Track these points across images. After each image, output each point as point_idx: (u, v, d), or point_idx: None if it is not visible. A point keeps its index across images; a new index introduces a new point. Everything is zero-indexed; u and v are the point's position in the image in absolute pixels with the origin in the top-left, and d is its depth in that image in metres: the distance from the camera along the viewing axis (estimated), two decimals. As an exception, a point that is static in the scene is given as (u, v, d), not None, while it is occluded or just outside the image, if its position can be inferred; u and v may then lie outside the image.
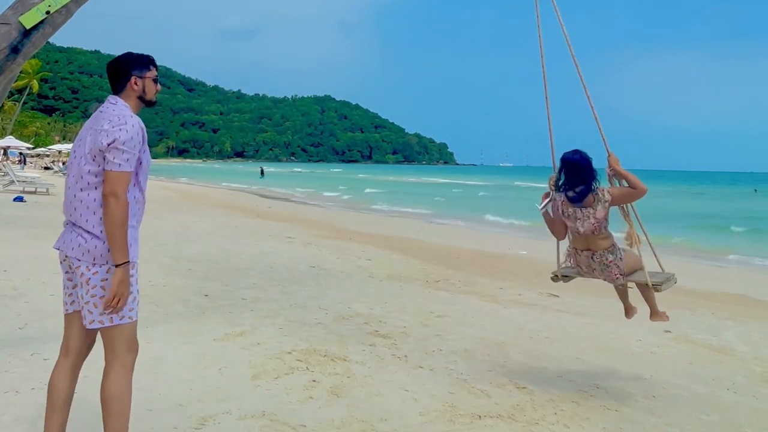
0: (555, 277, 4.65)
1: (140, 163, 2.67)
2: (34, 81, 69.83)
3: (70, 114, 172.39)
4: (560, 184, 4.32)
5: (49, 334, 4.77)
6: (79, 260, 2.59)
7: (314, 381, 4.25)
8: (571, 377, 4.73)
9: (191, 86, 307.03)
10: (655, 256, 4.59)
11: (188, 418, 3.51)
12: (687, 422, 3.98)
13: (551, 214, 4.42)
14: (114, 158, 2.55)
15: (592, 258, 4.29)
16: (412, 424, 3.67)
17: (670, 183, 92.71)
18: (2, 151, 46.11)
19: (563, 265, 4.59)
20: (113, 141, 2.55)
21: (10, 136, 49.52)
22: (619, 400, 4.27)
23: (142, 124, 2.68)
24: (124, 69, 2.76)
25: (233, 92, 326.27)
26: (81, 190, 2.64)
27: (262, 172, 77.09)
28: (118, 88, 2.76)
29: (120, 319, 2.63)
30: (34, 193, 21.27)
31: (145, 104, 2.84)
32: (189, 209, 20.18)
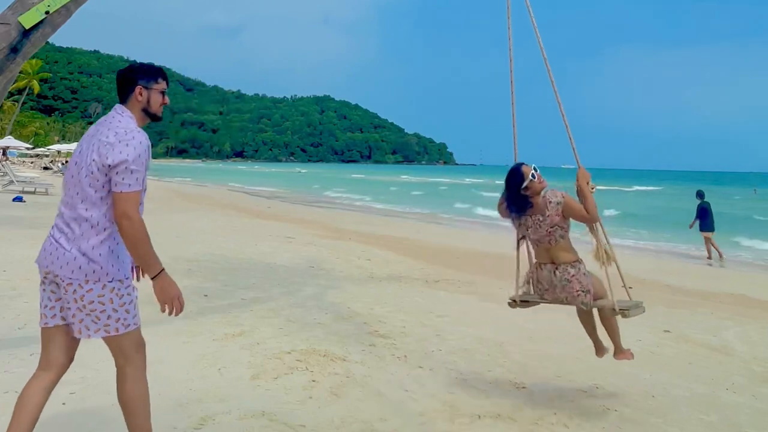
0: (513, 303, 4.27)
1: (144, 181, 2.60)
2: (34, 81, 69.89)
3: (70, 114, 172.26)
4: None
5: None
6: (71, 278, 2.50)
7: (314, 381, 4.25)
8: (571, 377, 4.73)
9: (190, 86, 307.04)
10: (622, 280, 4.21)
11: (188, 418, 3.50)
12: (687, 422, 3.98)
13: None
14: (123, 179, 2.47)
15: (554, 273, 3.97)
16: (411, 424, 3.67)
17: (670, 183, 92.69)
18: (2, 151, 46.09)
19: (521, 290, 4.27)
20: (122, 161, 2.47)
21: (10, 136, 49.54)
22: (619, 400, 4.27)
23: (149, 140, 2.61)
24: (131, 78, 2.71)
25: (233, 92, 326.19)
26: (82, 202, 2.54)
27: None
28: (123, 98, 2.71)
29: (125, 328, 2.60)
30: (34, 193, 21.26)
31: (150, 118, 2.75)
32: (189, 209, 20.17)
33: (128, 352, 2.65)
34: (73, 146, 46.61)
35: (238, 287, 7.36)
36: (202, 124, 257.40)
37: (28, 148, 52.69)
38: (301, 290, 7.43)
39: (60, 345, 2.66)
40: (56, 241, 2.56)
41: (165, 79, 2.82)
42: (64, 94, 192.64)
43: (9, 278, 6.90)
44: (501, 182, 4.17)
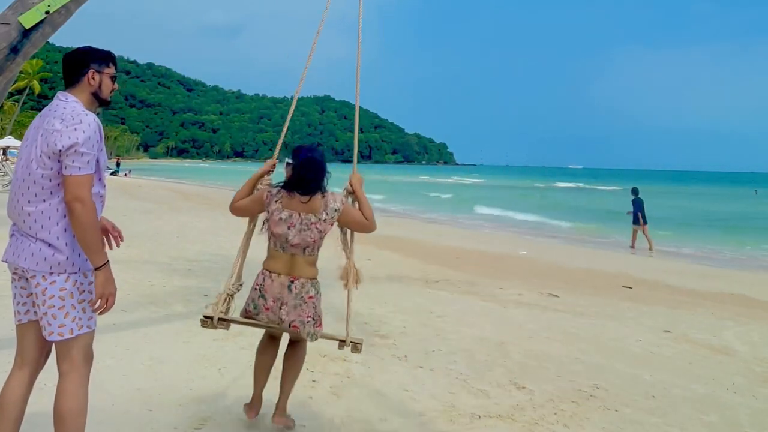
0: (208, 321, 3.30)
1: (98, 162, 2.51)
2: (35, 81, 69.89)
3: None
4: (287, 180, 3.28)
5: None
6: (35, 270, 2.45)
7: (314, 381, 4.25)
8: (571, 377, 4.72)
9: (190, 86, 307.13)
10: (348, 308, 3.62)
11: (188, 418, 3.50)
12: (687, 422, 3.98)
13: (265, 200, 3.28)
14: (73, 162, 2.39)
15: (289, 287, 3.20)
16: (412, 424, 3.67)
17: (670, 183, 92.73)
18: (2, 151, 46.09)
19: (223, 306, 3.37)
20: (72, 145, 2.39)
21: (10, 136, 49.52)
22: (619, 400, 4.27)
23: (99, 121, 2.53)
24: (83, 61, 2.61)
25: (233, 92, 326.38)
26: (36, 196, 2.46)
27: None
28: (72, 81, 2.62)
29: (79, 330, 2.51)
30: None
31: (100, 102, 2.67)
32: (189, 209, 20.16)
33: (76, 357, 2.54)
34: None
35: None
36: (202, 124, 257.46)
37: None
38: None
39: (32, 341, 2.61)
40: (21, 235, 2.51)
41: (115, 64, 2.74)
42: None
43: (9, 278, 6.90)
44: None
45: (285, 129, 3.65)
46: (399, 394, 4.14)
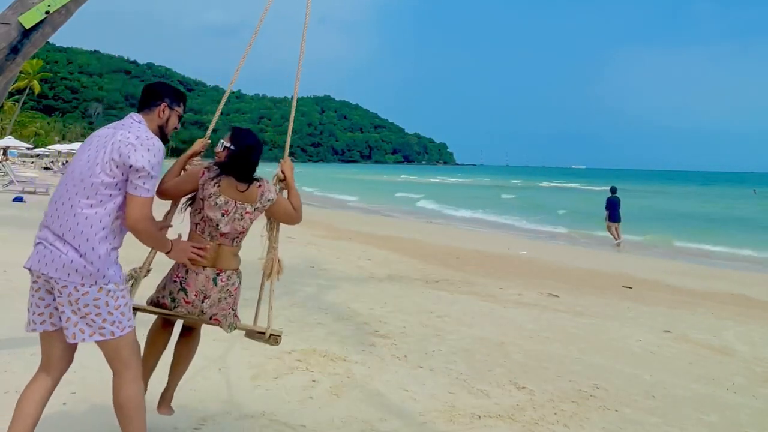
0: None
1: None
2: (35, 81, 69.90)
3: (70, 114, 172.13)
4: (225, 164, 3.03)
5: (49, 334, 4.76)
6: (66, 281, 2.47)
7: (314, 381, 4.25)
8: (571, 377, 4.72)
9: (190, 86, 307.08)
10: (270, 299, 3.38)
11: (188, 418, 3.51)
12: (687, 422, 3.98)
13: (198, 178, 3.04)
14: (144, 183, 2.53)
15: (214, 280, 3.01)
16: (412, 424, 3.67)
17: (670, 183, 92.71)
18: (2, 151, 46.09)
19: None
20: (144, 167, 2.51)
21: (10, 136, 49.54)
22: (619, 400, 4.27)
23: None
24: (159, 94, 2.78)
25: (233, 92, 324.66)
26: (88, 198, 2.51)
27: None
28: (144, 109, 2.76)
29: (121, 331, 2.59)
30: (34, 193, 21.24)
31: (161, 137, 2.76)
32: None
33: (124, 355, 2.63)
34: (73, 146, 46.63)
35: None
36: (202, 124, 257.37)
37: (28, 148, 52.68)
38: (301, 290, 7.43)
39: (54, 347, 2.66)
40: (50, 244, 2.52)
41: (185, 105, 2.91)
42: (64, 94, 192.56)
43: (9, 278, 6.90)
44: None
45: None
46: (399, 394, 4.14)
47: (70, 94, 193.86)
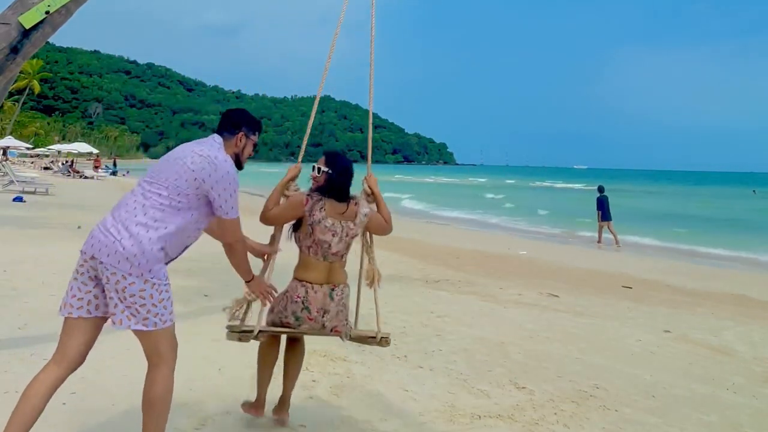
0: (246, 334, 3.29)
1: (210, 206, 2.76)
2: (35, 81, 69.89)
3: (70, 114, 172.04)
4: (323, 187, 3.25)
5: (49, 334, 4.75)
6: (115, 268, 2.53)
7: (314, 381, 4.25)
8: (571, 377, 4.73)
9: (190, 86, 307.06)
10: (376, 305, 3.54)
11: (188, 418, 3.51)
12: (687, 422, 3.98)
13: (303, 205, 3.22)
14: (232, 207, 2.74)
15: (331, 296, 3.22)
16: (412, 424, 3.67)
17: (670, 183, 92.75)
18: (2, 151, 46.09)
19: (237, 315, 3.37)
20: (228, 189, 2.70)
21: (10, 136, 49.52)
22: (619, 400, 4.27)
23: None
24: (238, 123, 2.90)
25: (233, 92, 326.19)
26: (167, 196, 2.64)
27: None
28: (224, 134, 2.88)
29: (163, 324, 2.64)
30: (34, 193, 21.24)
31: (236, 163, 2.87)
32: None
33: (163, 349, 2.68)
34: (73, 146, 46.70)
35: (238, 287, 7.30)
36: (202, 124, 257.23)
37: (28, 148, 52.66)
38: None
39: (77, 339, 2.67)
40: (107, 230, 2.59)
41: (260, 133, 3.04)
42: (64, 94, 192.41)
43: (9, 278, 6.90)
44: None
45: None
46: (399, 394, 4.14)
47: (70, 94, 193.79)
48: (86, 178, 37.55)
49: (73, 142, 63.83)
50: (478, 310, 7.04)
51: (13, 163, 44.69)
